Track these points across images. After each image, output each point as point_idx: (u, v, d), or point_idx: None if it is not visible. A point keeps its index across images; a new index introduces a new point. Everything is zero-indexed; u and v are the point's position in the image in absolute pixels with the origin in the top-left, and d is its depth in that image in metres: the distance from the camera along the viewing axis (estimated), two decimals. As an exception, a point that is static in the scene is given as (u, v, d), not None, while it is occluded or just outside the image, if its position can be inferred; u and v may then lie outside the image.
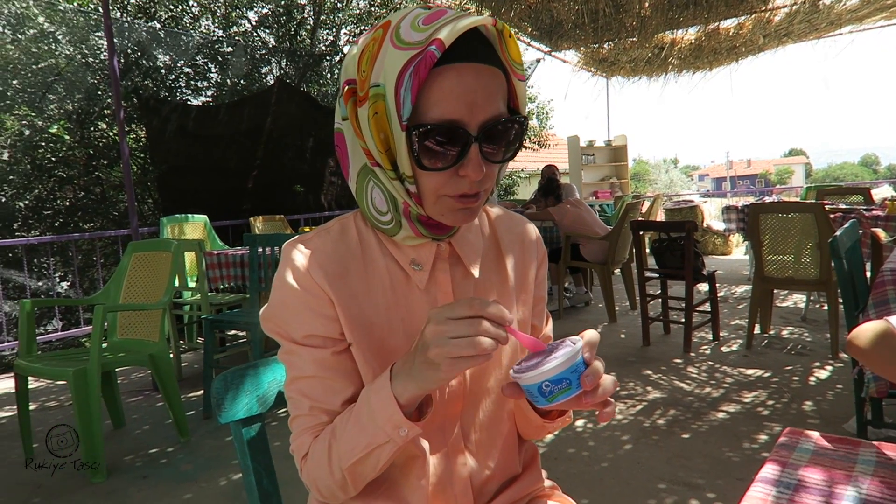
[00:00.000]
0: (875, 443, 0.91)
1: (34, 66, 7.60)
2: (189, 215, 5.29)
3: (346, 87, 0.79)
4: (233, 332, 5.37)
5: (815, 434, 0.96)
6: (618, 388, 0.73)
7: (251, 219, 5.89)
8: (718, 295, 4.45)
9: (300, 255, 0.83)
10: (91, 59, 7.94)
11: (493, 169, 0.79)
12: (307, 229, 5.68)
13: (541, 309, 0.99)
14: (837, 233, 2.19)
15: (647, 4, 6.44)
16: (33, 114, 7.40)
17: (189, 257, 4.85)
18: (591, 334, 0.75)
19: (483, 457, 0.91)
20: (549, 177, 5.88)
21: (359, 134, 0.79)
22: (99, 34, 7.93)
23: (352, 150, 0.83)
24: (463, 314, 0.66)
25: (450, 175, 0.76)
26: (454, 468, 0.88)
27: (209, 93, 8.99)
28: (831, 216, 3.82)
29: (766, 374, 3.59)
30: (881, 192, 7.53)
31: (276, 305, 0.84)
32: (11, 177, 7.53)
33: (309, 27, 9.41)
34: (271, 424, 3.16)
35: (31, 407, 3.61)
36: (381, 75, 0.74)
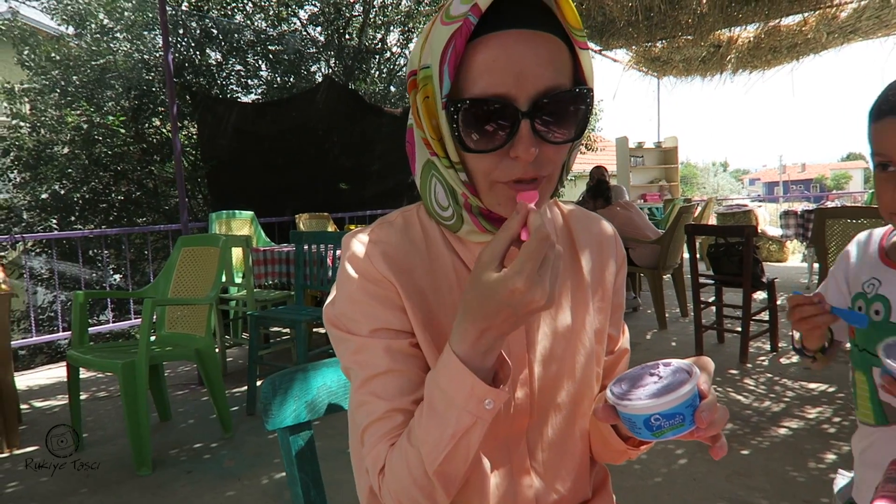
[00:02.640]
0: None
1: (93, 63, 7.82)
2: (237, 211, 5.34)
3: (410, 79, 0.73)
4: (277, 328, 5.41)
5: (926, 467, 0.85)
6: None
7: (297, 216, 5.92)
8: (776, 303, 4.24)
9: (360, 246, 0.77)
10: (146, 55, 8.14)
11: (553, 151, 0.69)
12: (352, 227, 5.68)
13: (618, 317, 0.90)
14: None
15: (704, 0, 6.21)
16: (91, 109, 7.62)
17: (236, 253, 4.89)
18: (707, 362, 0.66)
19: (551, 479, 0.82)
20: (598, 178, 5.73)
21: (419, 124, 0.72)
22: (155, 31, 8.12)
23: (418, 143, 0.76)
24: (538, 257, 0.59)
25: (499, 158, 0.68)
26: (518, 490, 0.80)
27: (259, 90, 9.12)
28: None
29: (831, 389, 3.39)
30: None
31: (340, 302, 0.76)
32: (69, 170, 7.77)
33: (358, 25, 9.45)
34: (314, 423, 3.13)
35: (83, 396, 3.69)
36: (430, 55, 0.67)
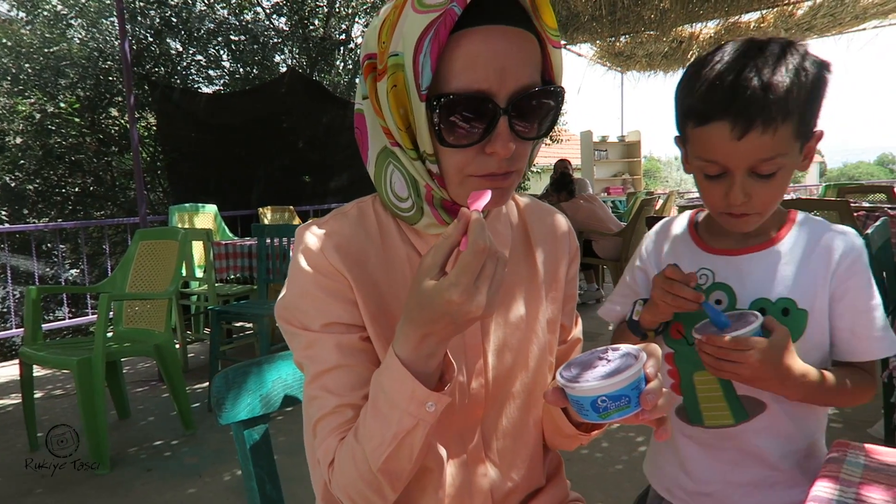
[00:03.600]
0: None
1: (46, 51, 7.57)
2: (199, 204, 5.24)
3: (366, 62, 0.71)
4: (240, 323, 5.33)
5: (865, 446, 0.89)
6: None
7: (259, 209, 5.83)
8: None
9: (313, 238, 0.76)
10: (103, 44, 7.91)
11: (525, 146, 0.70)
12: (317, 220, 5.62)
13: (571, 308, 0.91)
14: (869, 231, 2.10)
15: (666, -4, 6.30)
16: (45, 98, 7.37)
17: (197, 247, 4.80)
18: (655, 348, 0.68)
19: (506, 467, 0.83)
20: (561, 171, 5.78)
21: (378, 112, 0.71)
22: (111, 19, 7.90)
23: (371, 131, 0.75)
24: (474, 270, 0.58)
25: (475, 152, 0.68)
26: (473, 479, 0.81)
27: (221, 81, 8.94)
28: (854, 214, 3.70)
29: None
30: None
31: (292, 295, 0.76)
32: (22, 161, 7.52)
33: (322, 16, 9.34)
34: (276, 419, 3.10)
35: (38, 395, 3.59)
36: (401, 42, 0.66)
